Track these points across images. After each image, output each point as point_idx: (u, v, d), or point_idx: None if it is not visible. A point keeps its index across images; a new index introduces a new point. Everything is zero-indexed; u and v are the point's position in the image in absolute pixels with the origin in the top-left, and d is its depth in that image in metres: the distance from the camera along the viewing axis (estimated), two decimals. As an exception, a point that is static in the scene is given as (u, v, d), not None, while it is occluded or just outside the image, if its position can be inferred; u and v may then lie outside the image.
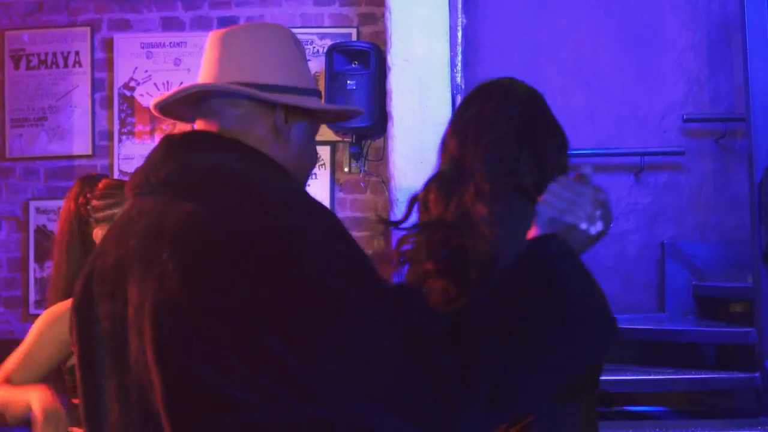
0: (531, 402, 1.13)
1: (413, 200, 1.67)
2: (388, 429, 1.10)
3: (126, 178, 1.54)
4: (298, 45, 1.29)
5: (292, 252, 1.01)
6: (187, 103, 1.27)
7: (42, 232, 3.95)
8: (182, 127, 1.25)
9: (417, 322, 1.02)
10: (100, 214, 1.97)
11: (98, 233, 1.96)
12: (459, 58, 3.42)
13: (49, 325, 1.88)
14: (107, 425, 1.15)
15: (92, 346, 1.17)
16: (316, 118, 1.31)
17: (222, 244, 1.02)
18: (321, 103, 1.30)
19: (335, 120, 1.41)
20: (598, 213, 1.14)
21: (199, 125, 1.25)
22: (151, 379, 1.04)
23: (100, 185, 2.02)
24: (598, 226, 1.13)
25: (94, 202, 1.99)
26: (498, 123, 1.57)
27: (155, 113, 1.31)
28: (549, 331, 1.07)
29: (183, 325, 1.01)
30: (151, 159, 1.19)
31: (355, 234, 2.98)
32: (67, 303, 1.85)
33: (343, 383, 0.98)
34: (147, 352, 1.04)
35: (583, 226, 1.12)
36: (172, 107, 1.29)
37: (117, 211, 1.94)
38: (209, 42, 1.26)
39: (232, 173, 1.12)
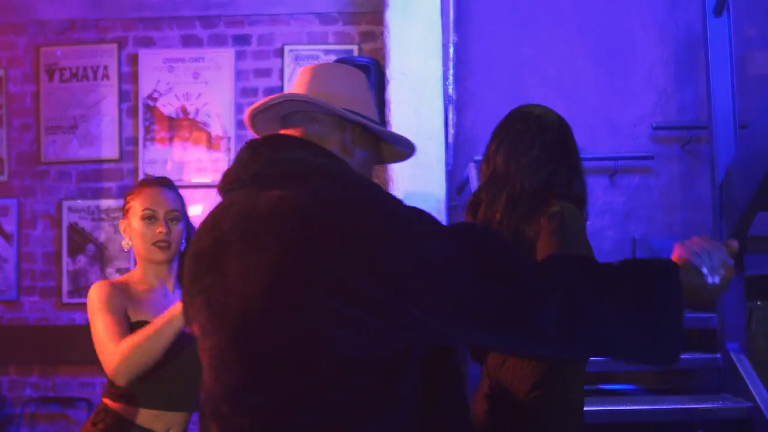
0: (592, 344, 1.19)
1: (469, 208, 1.89)
2: (470, 341, 1.24)
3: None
4: (369, 87, 1.44)
5: (371, 208, 1.16)
6: (274, 119, 1.39)
7: (74, 229, 4.08)
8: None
9: (489, 241, 1.16)
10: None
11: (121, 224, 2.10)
12: (451, 72, 3.58)
13: (102, 295, 1.95)
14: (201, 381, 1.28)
15: (199, 315, 1.27)
16: (377, 152, 1.43)
17: (312, 215, 1.13)
18: (385, 130, 1.40)
19: (389, 161, 1.50)
20: (721, 271, 1.25)
21: None
22: (259, 331, 1.16)
23: None
24: (716, 279, 1.24)
25: None
26: (535, 146, 1.83)
27: (248, 125, 1.42)
28: (628, 295, 1.16)
29: (290, 283, 1.12)
30: (239, 159, 1.29)
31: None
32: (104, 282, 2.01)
33: (430, 304, 1.11)
34: (255, 310, 1.15)
35: (704, 270, 1.24)
36: (260, 122, 1.41)
37: (128, 204, 2.08)
38: (301, 72, 1.41)
39: (315, 164, 1.23)
